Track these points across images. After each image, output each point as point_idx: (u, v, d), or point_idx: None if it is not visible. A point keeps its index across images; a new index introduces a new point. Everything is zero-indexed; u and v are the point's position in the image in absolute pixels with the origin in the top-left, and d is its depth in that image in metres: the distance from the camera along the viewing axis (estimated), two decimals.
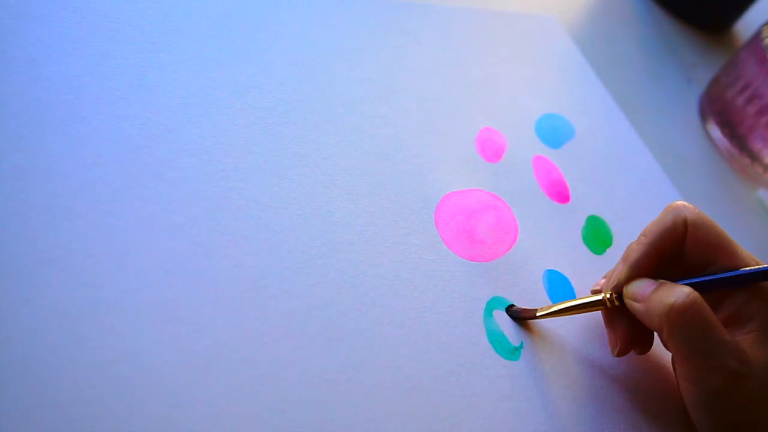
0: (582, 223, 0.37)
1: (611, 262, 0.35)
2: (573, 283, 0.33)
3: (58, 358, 0.21)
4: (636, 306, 0.27)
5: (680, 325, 0.25)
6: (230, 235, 0.27)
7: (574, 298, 0.33)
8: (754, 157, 0.49)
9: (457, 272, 0.30)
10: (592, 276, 0.34)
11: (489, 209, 0.34)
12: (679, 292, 0.25)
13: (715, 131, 0.51)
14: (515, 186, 0.36)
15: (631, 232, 0.38)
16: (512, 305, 0.30)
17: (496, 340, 0.29)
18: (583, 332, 0.31)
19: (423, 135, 0.35)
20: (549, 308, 0.29)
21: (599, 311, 0.30)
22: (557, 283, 0.33)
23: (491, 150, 0.37)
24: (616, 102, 0.46)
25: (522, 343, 0.30)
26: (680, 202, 0.29)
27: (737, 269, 0.27)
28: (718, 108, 0.51)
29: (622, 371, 0.31)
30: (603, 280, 0.31)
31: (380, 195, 0.31)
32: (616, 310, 0.29)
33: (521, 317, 0.30)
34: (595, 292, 0.31)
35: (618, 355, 0.29)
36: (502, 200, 0.35)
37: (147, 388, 0.22)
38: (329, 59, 0.36)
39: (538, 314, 0.29)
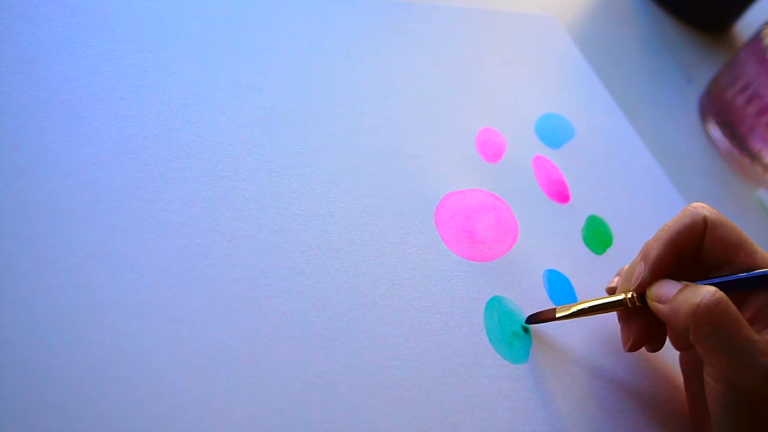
0: (582, 223, 0.37)
1: (611, 262, 0.35)
2: (573, 282, 0.33)
3: (58, 358, 0.21)
4: (660, 307, 0.27)
5: (708, 323, 0.25)
6: (230, 235, 0.27)
7: (583, 299, 0.33)
8: (754, 157, 0.49)
9: (457, 272, 0.30)
10: (592, 276, 0.34)
11: (489, 209, 0.34)
12: (705, 292, 0.25)
13: (715, 131, 0.51)
14: (515, 186, 0.36)
15: (631, 232, 0.38)
16: (530, 315, 0.30)
17: (497, 339, 0.29)
18: (583, 332, 0.31)
19: (423, 135, 0.35)
20: (569, 308, 0.29)
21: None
22: (557, 283, 0.33)
23: (491, 150, 0.37)
24: (616, 102, 0.46)
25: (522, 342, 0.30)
26: (698, 203, 0.29)
27: (757, 269, 0.27)
28: (718, 108, 0.51)
29: (622, 372, 0.31)
30: (617, 278, 0.31)
31: (380, 195, 0.31)
32: (634, 309, 0.29)
33: (540, 320, 0.30)
34: (610, 290, 0.31)
35: (630, 350, 0.29)
36: (502, 200, 0.35)
37: (147, 388, 0.22)
38: (329, 59, 0.36)
39: (558, 315, 0.29)
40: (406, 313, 0.28)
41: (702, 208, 0.28)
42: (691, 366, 0.30)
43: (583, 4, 0.56)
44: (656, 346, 0.30)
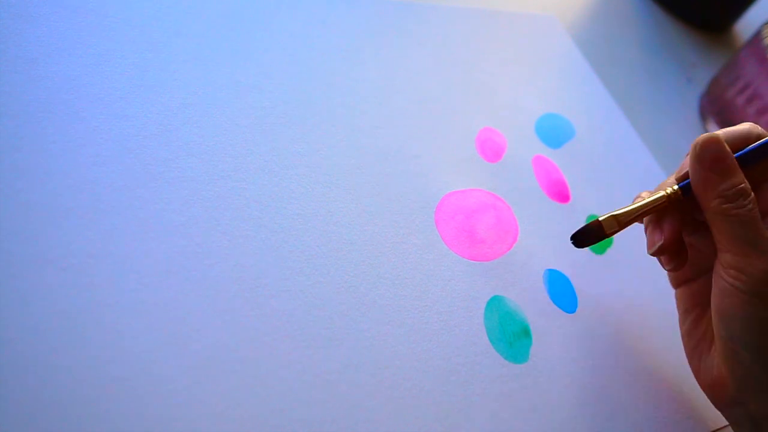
0: (582, 222, 0.37)
1: (611, 262, 0.35)
2: (573, 282, 0.33)
3: (58, 358, 0.21)
4: (697, 168, 0.27)
5: (734, 217, 0.25)
6: (230, 235, 0.27)
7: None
8: None
9: (458, 272, 0.30)
10: (592, 275, 0.34)
11: (489, 209, 0.34)
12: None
13: (715, 131, 0.51)
14: (515, 186, 0.36)
15: (631, 232, 0.38)
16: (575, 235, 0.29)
17: (497, 339, 0.29)
18: (583, 331, 0.32)
19: (423, 135, 0.35)
20: (615, 219, 0.28)
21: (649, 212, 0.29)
22: (558, 283, 0.33)
23: (491, 150, 0.37)
24: (616, 102, 0.46)
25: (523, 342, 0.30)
26: None
27: None
28: (718, 108, 0.51)
29: (622, 372, 0.31)
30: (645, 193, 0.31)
31: (380, 195, 0.31)
32: (670, 207, 0.28)
33: (588, 241, 0.28)
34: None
35: (654, 254, 0.29)
36: (502, 200, 0.35)
37: (146, 388, 0.22)
38: (329, 59, 0.36)
39: (608, 231, 0.28)
40: (406, 313, 0.28)
41: None
42: (690, 300, 0.30)
43: (583, 4, 0.56)
44: (679, 260, 0.29)
